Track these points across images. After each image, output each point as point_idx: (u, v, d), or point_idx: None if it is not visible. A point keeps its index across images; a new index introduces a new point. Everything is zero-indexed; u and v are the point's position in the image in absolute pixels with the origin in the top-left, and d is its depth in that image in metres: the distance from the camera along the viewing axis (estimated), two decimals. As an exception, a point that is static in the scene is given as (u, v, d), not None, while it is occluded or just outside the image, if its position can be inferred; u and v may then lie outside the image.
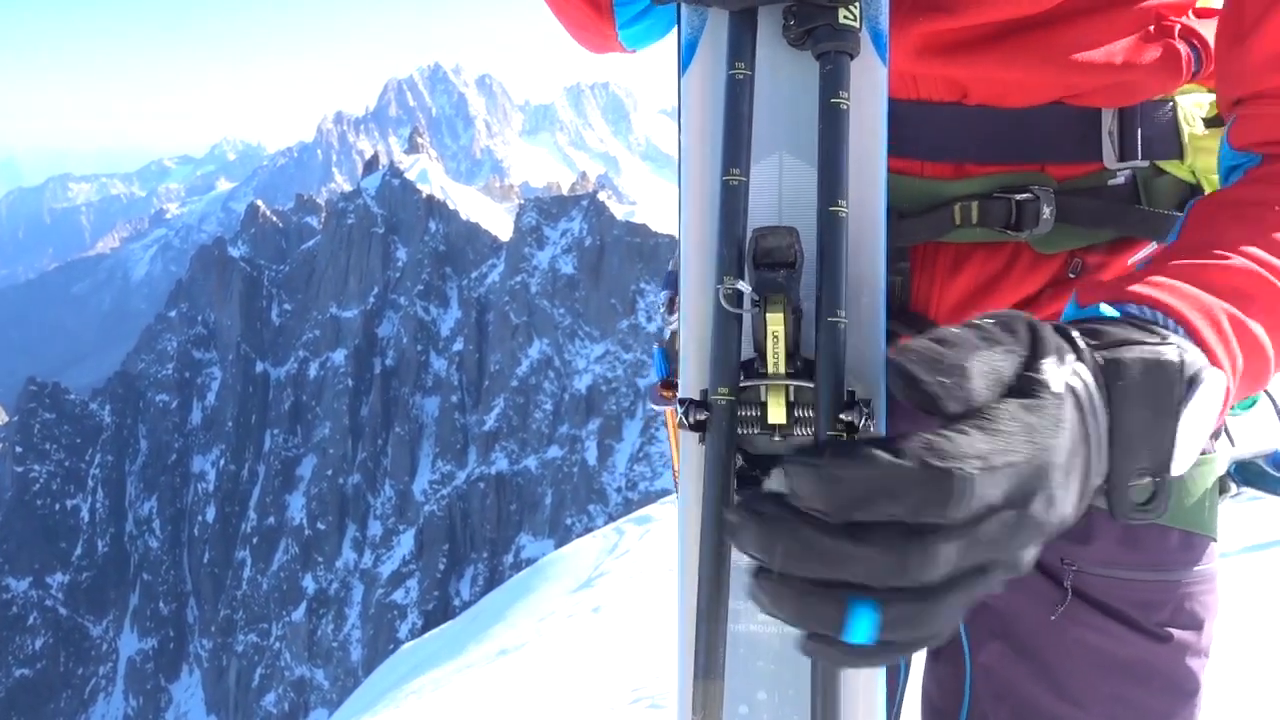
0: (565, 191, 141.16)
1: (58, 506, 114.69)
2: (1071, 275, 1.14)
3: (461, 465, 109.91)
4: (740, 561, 0.78)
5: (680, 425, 0.80)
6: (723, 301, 0.76)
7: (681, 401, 0.79)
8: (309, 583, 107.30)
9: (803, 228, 0.78)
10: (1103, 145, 1.09)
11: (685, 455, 0.83)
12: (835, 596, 0.58)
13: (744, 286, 0.75)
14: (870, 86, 0.85)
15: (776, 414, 0.77)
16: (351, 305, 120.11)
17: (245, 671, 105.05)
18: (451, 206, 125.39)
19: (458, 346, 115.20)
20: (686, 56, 0.90)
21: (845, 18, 0.78)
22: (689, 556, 0.81)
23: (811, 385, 0.77)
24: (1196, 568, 1.18)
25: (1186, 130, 1.14)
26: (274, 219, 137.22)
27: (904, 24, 1.02)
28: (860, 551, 0.57)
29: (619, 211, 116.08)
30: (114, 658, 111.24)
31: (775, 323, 0.75)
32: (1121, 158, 1.09)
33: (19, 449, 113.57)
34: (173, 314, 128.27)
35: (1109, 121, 1.09)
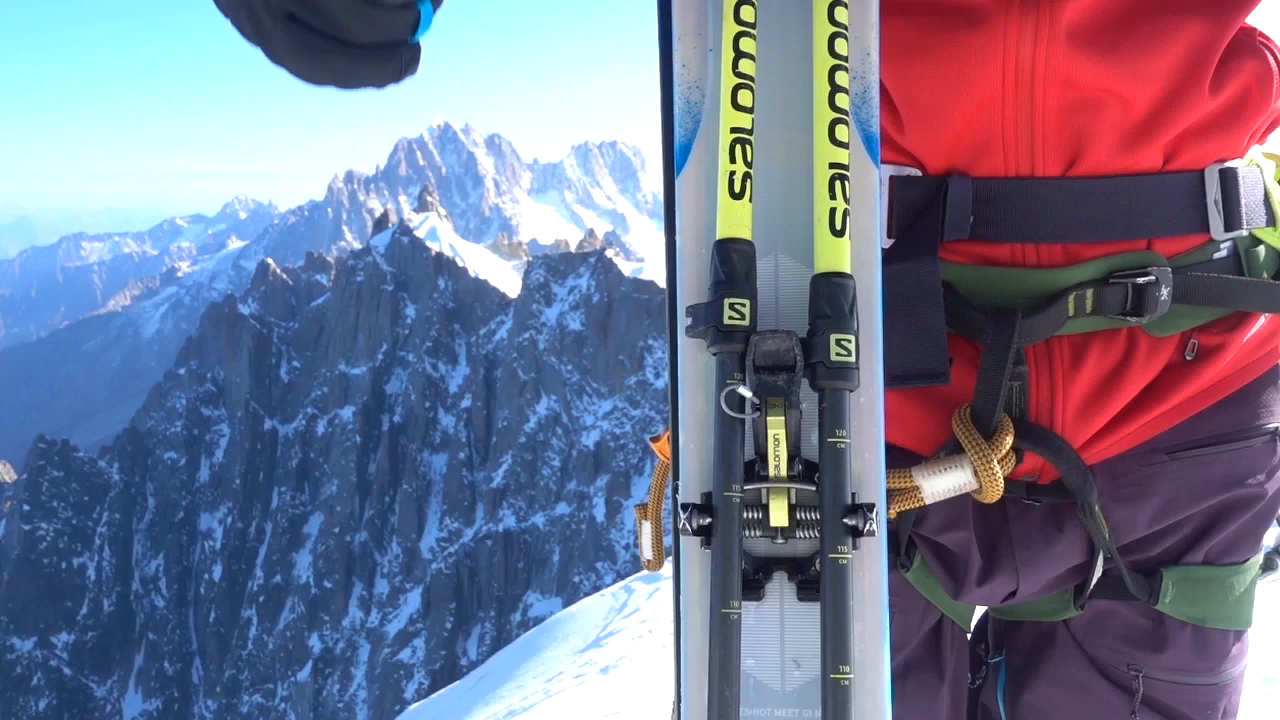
0: (573, 249, 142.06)
1: (64, 565, 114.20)
2: (1188, 357, 1.11)
3: (469, 522, 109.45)
4: (747, 668, 0.79)
5: (683, 531, 0.79)
6: (724, 406, 0.75)
7: (684, 506, 0.78)
8: (315, 642, 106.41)
9: (801, 330, 0.78)
10: (1209, 215, 1.06)
11: (686, 561, 0.82)
12: None
13: (745, 391, 0.74)
14: (863, 190, 0.84)
15: (779, 517, 0.77)
16: (360, 362, 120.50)
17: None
18: (460, 264, 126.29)
19: (466, 403, 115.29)
20: (680, 159, 0.88)
21: (838, 354, 0.76)
22: (693, 666, 0.80)
23: (813, 489, 0.77)
24: (1243, 662, 1.22)
25: (1275, 195, 1.13)
26: (284, 277, 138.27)
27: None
28: None
29: (626, 268, 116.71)
30: (118, 719, 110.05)
31: (776, 426, 0.75)
32: (1228, 227, 1.07)
33: (26, 507, 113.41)
34: (182, 371, 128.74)
35: (1213, 190, 1.07)
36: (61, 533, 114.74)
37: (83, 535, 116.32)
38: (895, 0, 1.01)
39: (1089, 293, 1.04)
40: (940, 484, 1.05)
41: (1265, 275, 1.13)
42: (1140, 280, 1.04)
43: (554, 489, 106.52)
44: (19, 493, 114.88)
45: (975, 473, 1.04)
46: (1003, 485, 1.04)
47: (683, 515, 0.78)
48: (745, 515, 0.77)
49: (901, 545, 1.21)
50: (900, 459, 1.11)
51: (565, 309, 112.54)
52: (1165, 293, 1.04)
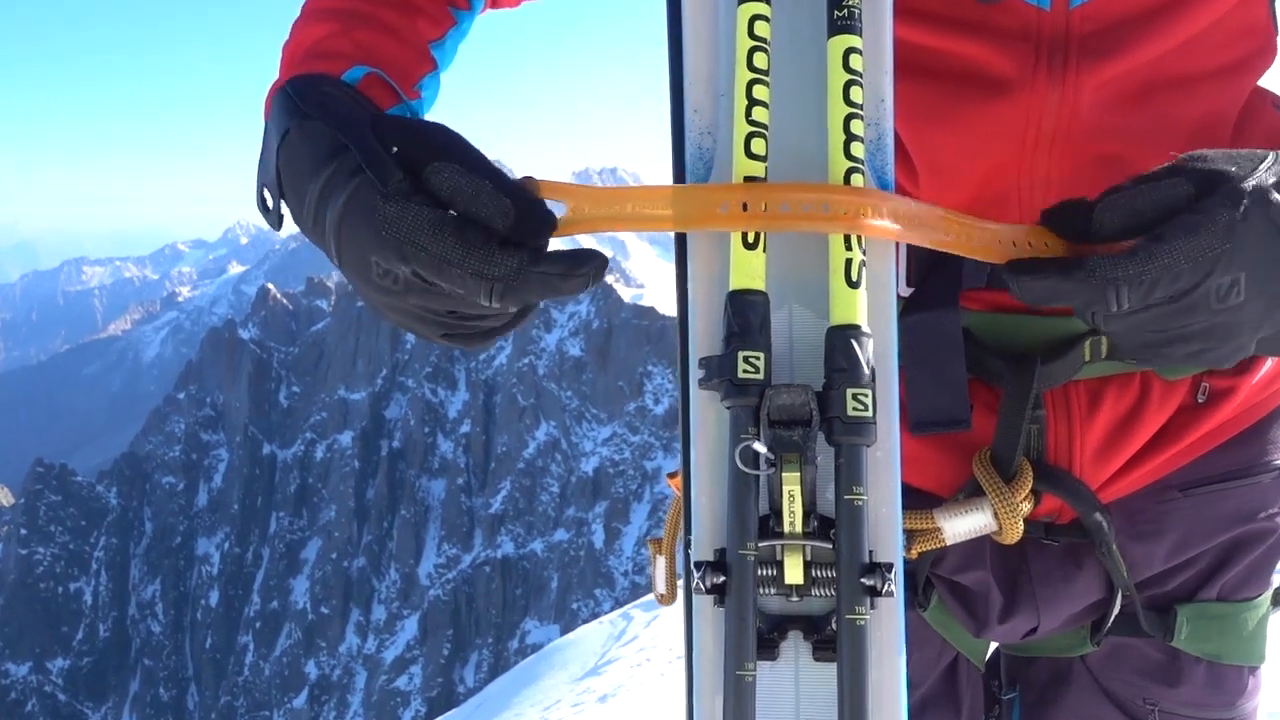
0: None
1: (60, 590, 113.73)
2: (1200, 400, 1.14)
3: (467, 548, 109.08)
4: None
5: (696, 590, 0.77)
6: (738, 463, 0.74)
7: (697, 565, 0.77)
8: (311, 668, 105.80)
9: (815, 383, 0.77)
10: None
11: (699, 619, 0.80)
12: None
13: (760, 447, 0.73)
14: (878, 240, 0.83)
15: (794, 574, 0.76)
16: (359, 387, 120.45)
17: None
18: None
19: (465, 429, 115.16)
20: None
21: (855, 409, 0.75)
22: None
23: (829, 545, 0.76)
24: (1258, 698, 1.25)
25: None
26: (284, 302, 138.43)
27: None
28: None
29: (626, 294, 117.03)
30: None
31: (791, 482, 0.74)
32: None
33: (24, 531, 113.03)
34: (181, 396, 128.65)
35: None
36: (58, 557, 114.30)
37: (79, 560, 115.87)
38: (916, 62, 1.02)
39: (1104, 339, 1.06)
40: (961, 526, 1.07)
41: None
42: None
43: (553, 515, 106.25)
44: (16, 517, 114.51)
45: (996, 515, 1.06)
46: (1022, 527, 1.07)
47: (696, 574, 0.77)
48: (759, 572, 0.76)
49: (919, 585, 1.23)
50: (919, 501, 1.12)
51: (565, 335, 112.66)
52: None
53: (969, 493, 1.10)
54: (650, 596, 11.23)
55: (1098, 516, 1.12)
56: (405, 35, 1.02)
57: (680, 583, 1.03)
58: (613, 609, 12.44)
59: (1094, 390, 1.11)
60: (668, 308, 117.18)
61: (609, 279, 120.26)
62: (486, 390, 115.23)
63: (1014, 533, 1.06)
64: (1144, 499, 1.17)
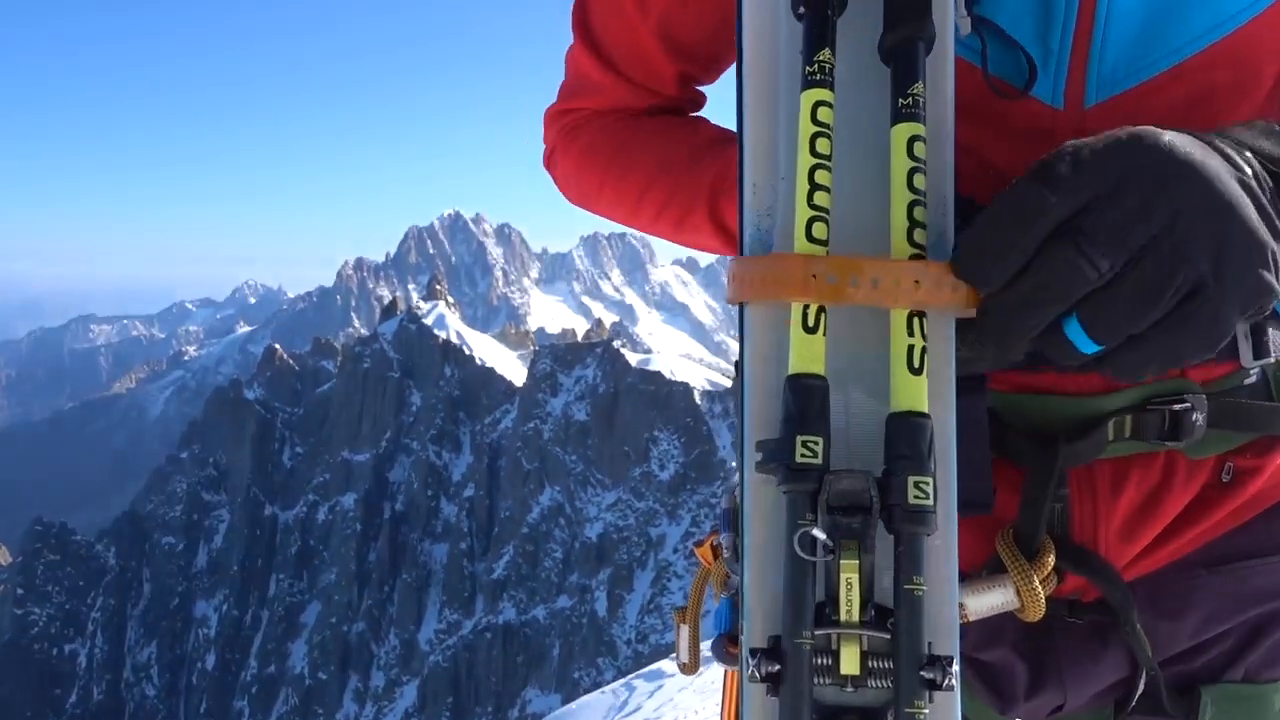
0: (580, 339, 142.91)
1: (55, 651, 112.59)
2: (1225, 478, 1.16)
3: (469, 614, 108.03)
4: None
5: (750, 679, 0.76)
6: (797, 549, 0.73)
7: (752, 652, 0.76)
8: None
9: (871, 467, 0.77)
10: (1238, 344, 1.10)
11: (750, 709, 0.78)
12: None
13: (819, 533, 0.73)
14: (939, 326, 0.83)
15: (850, 664, 0.75)
16: (364, 449, 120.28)
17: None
18: (467, 352, 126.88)
19: (469, 492, 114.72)
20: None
21: (916, 497, 0.75)
22: None
23: (886, 635, 0.75)
24: None
25: None
26: (290, 362, 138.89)
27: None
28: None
29: (633, 359, 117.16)
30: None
31: (849, 570, 0.73)
32: (1256, 355, 1.11)
33: (20, 591, 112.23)
34: (184, 455, 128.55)
35: (1242, 323, 1.08)
36: (54, 618, 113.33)
37: (75, 621, 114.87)
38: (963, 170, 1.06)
39: (1128, 419, 1.08)
40: (983, 602, 1.08)
41: None
42: (1176, 407, 1.07)
43: (555, 581, 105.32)
44: (13, 576, 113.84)
45: (1018, 592, 1.07)
46: (1044, 604, 1.07)
47: (750, 662, 0.75)
48: (815, 661, 0.74)
49: None
50: None
51: (571, 399, 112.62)
52: (1200, 418, 1.08)
53: (991, 569, 1.11)
54: (653, 666, 10.99)
55: (1122, 595, 1.12)
56: None
57: (699, 639, 1.05)
58: (615, 678, 12.17)
59: (1118, 469, 1.12)
60: (674, 373, 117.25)
61: (616, 344, 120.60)
62: (491, 454, 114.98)
63: (1036, 610, 1.07)
64: (1168, 575, 1.18)
